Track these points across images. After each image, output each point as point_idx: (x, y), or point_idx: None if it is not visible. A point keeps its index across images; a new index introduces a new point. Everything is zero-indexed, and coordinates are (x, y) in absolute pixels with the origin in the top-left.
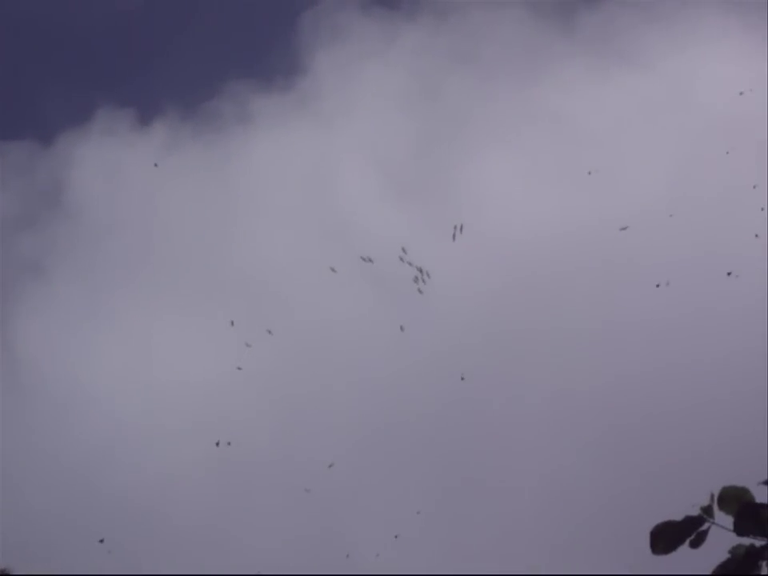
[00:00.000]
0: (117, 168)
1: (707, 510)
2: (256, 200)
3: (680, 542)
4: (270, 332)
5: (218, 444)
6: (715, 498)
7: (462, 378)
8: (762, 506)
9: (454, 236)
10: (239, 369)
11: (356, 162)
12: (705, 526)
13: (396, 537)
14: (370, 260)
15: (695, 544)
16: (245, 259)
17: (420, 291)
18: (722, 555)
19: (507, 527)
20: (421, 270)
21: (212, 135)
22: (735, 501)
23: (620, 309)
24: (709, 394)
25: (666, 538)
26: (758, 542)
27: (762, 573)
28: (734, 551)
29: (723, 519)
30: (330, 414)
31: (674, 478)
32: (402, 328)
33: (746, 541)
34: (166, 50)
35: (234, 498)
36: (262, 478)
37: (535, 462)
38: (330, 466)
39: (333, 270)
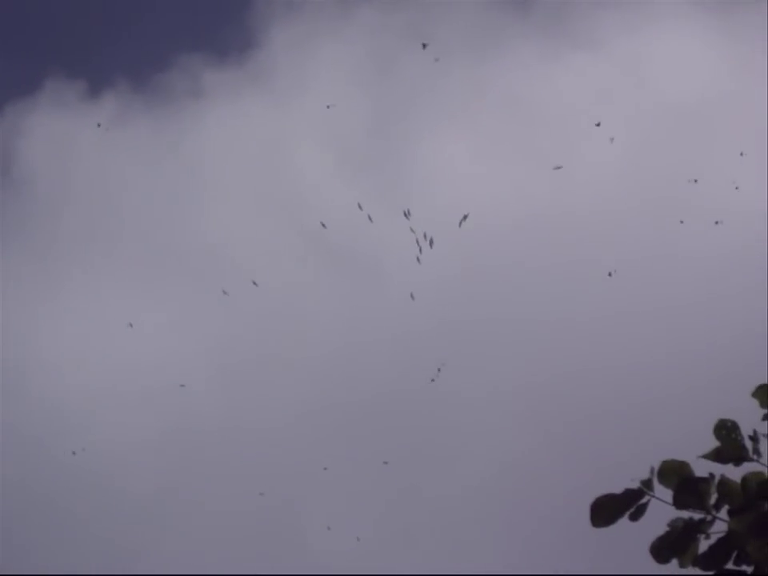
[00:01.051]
0: (66, 140)
1: (647, 484)
2: (209, 174)
3: (620, 515)
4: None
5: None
6: (655, 472)
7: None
8: (700, 479)
9: (460, 223)
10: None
11: (309, 138)
12: (644, 500)
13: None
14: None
15: (634, 517)
16: (198, 232)
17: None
18: (661, 528)
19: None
20: (425, 236)
21: (164, 108)
22: (675, 474)
23: (572, 299)
24: (667, 382)
25: (606, 511)
26: (697, 516)
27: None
28: (672, 524)
29: (663, 492)
30: (288, 384)
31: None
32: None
33: (685, 514)
34: (116, 19)
35: (195, 465)
36: (219, 445)
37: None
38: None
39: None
